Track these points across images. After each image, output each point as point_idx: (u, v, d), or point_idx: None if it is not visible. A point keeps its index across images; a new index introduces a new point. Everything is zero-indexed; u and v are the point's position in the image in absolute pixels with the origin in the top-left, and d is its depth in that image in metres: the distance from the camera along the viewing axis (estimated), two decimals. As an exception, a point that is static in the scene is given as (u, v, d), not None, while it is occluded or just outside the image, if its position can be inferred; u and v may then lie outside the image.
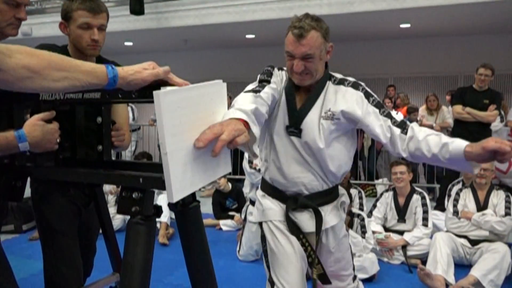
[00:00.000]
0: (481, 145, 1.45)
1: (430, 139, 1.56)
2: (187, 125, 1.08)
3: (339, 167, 1.75)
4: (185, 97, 1.10)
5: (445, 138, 1.56)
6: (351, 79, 1.75)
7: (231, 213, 4.85)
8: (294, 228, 1.74)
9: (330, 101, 1.69)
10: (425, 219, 3.59)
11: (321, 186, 1.75)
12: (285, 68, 1.76)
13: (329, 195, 1.78)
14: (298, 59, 1.60)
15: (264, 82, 1.64)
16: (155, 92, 1.00)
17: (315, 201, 1.74)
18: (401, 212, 3.70)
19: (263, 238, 1.79)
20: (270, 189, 1.81)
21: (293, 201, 1.74)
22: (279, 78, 1.72)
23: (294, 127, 1.70)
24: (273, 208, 1.78)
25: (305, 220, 1.74)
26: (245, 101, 1.43)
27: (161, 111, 1.00)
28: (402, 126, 1.66)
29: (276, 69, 1.74)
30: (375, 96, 1.72)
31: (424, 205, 3.61)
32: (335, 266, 1.85)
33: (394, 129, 1.65)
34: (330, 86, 1.72)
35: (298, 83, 1.69)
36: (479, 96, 4.65)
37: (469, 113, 4.66)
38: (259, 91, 1.55)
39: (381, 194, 3.89)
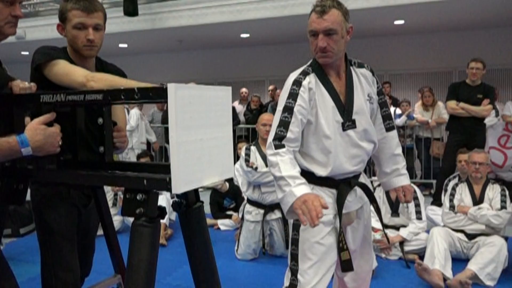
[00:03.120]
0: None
1: (394, 157, 1.97)
2: (196, 122, 1.13)
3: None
4: (196, 94, 1.15)
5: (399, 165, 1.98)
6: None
7: (228, 212, 4.86)
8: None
9: (366, 85, 1.85)
10: (418, 213, 3.60)
11: (364, 166, 1.92)
12: (308, 70, 1.79)
13: (361, 173, 1.96)
14: (322, 35, 1.69)
15: (288, 112, 1.71)
16: (168, 85, 1.05)
17: (358, 178, 1.90)
18: (394, 206, 3.71)
19: (297, 227, 1.79)
20: (318, 179, 1.82)
21: (346, 185, 1.83)
22: (307, 93, 1.74)
23: (348, 120, 1.78)
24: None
25: (353, 200, 1.87)
26: (290, 169, 1.64)
27: (173, 102, 1.05)
28: (387, 118, 1.93)
29: (303, 83, 1.75)
30: (379, 82, 1.95)
31: (415, 198, 3.61)
32: (368, 236, 1.98)
33: (379, 117, 1.92)
34: (355, 70, 1.85)
35: (322, 62, 1.77)
36: (473, 91, 4.68)
37: (463, 108, 4.68)
38: (283, 144, 1.69)
39: (374, 189, 3.90)
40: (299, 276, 1.76)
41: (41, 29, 7.59)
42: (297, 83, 1.76)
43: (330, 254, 1.78)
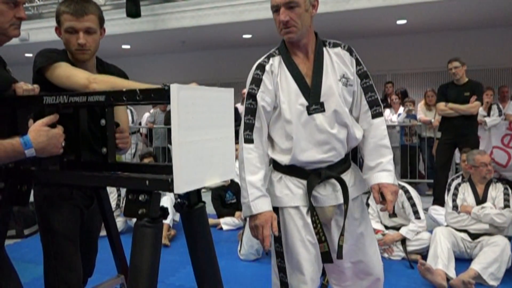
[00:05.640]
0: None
1: (379, 148, 1.72)
2: (198, 122, 1.14)
3: (359, 130, 1.75)
4: (199, 95, 1.16)
5: (384, 159, 1.71)
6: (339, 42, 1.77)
7: (231, 209, 4.88)
8: (312, 206, 1.68)
9: (339, 66, 1.69)
10: (416, 212, 3.58)
11: (340, 156, 1.72)
12: (274, 52, 1.73)
13: (345, 163, 1.77)
14: (283, 8, 1.60)
15: (252, 98, 1.69)
16: (171, 86, 1.05)
17: (335, 171, 1.71)
18: None
19: (278, 223, 1.71)
20: (286, 168, 1.72)
21: (316, 175, 1.68)
22: (270, 78, 1.68)
23: (315, 103, 1.65)
24: (288, 194, 1.71)
25: (329, 194, 1.71)
26: (253, 172, 1.64)
27: (176, 103, 1.05)
28: (374, 104, 1.72)
29: (266, 68, 1.69)
30: (363, 65, 1.75)
31: (409, 198, 3.60)
32: (364, 232, 1.78)
33: (364, 103, 1.73)
34: (329, 50, 1.71)
35: (287, 39, 1.67)
36: (460, 90, 4.72)
37: (451, 108, 4.72)
38: (252, 138, 1.66)
39: (369, 191, 3.87)
40: (289, 279, 1.70)
41: (44, 31, 7.62)
42: (261, 67, 1.69)
43: (310, 251, 1.70)
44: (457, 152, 4.93)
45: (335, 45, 1.73)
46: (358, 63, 1.73)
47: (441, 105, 4.80)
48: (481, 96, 4.69)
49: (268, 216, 1.61)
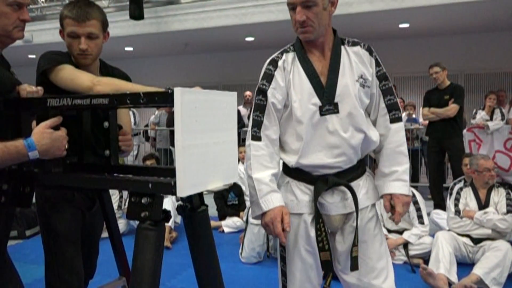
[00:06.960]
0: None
1: (396, 155, 1.65)
2: (201, 126, 1.15)
3: (375, 132, 1.66)
4: (202, 99, 1.17)
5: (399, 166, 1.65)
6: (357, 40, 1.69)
7: (234, 210, 4.89)
8: (318, 213, 1.61)
9: (357, 65, 1.61)
10: (420, 217, 3.59)
11: (350, 162, 1.64)
12: (288, 48, 1.67)
13: (357, 170, 1.68)
14: (300, 7, 1.52)
15: (262, 94, 1.61)
16: (175, 89, 1.07)
17: (344, 178, 1.63)
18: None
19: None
20: (293, 172, 1.65)
21: (323, 182, 1.60)
22: (282, 74, 1.61)
23: (329, 104, 1.57)
24: (293, 200, 1.65)
25: (336, 203, 1.64)
26: (261, 170, 1.57)
27: (179, 107, 1.06)
28: (393, 108, 1.65)
29: (278, 63, 1.62)
30: (383, 66, 1.67)
31: (415, 203, 3.60)
32: (361, 250, 1.67)
33: (382, 106, 1.65)
34: (347, 49, 1.63)
35: (303, 38, 1.60)
36: (441, 94, 4.86)
37: (432, 112, 4.85)
38: (260, 135, 1.59)
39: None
40: (288, 284, 1.68)
41: (48, 32, 7.65)
42: (273, 62, 1.62)
43: (314, 258, 1.66)
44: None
45: (354, 44, 1.64)
46: (377, 64, 1.65)
47: (425, 110, 4.96)
48: (459, 99, 4.78)
49: (277, 212, 1.52)
